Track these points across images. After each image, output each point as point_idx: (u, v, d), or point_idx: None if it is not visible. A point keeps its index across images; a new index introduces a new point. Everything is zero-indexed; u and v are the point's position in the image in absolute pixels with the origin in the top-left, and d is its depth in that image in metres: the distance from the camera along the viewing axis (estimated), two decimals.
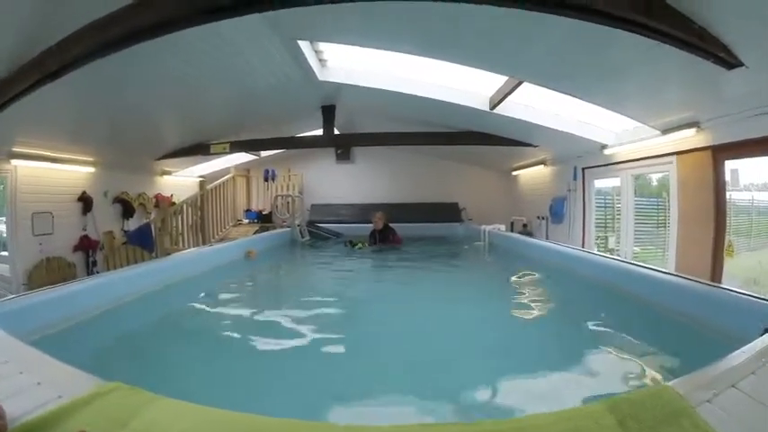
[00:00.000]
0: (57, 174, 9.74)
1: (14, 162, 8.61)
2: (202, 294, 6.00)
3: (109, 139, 9.86)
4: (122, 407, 1.85)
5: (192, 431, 1.70)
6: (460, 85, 8.64)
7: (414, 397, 3.02)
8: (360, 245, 10.20)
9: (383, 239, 10.49)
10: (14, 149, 8.49)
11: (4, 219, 9.31)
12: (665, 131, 7.30)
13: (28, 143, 8.56)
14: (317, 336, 4.41)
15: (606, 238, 10.06)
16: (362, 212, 14.54)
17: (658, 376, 3.13)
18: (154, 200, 13.50)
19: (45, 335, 3.61)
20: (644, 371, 3.28)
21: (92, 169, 10.60)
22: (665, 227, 8.40)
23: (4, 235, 9.28)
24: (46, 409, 1.76)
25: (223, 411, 1.82)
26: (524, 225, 13.12)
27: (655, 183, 9.40)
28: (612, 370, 3.43)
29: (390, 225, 10.76)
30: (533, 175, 13.18)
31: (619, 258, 5.35)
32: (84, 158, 10.26)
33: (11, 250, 9.01)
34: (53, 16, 4.97)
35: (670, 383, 1.83)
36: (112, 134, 9.65)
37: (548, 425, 1.64)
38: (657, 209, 8.93)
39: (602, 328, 4.44)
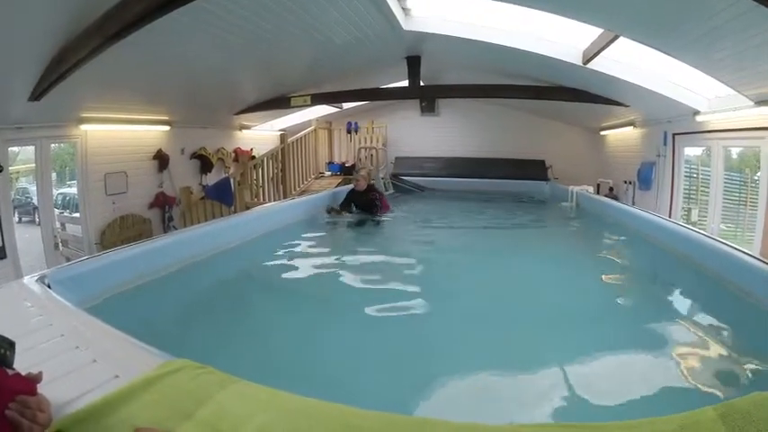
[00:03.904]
0: (130, 134, 9.88)
1: (84, 127, 8.71)
2: (279, 251, 6.11)
3: (184, 96, 9.85)
4: (189, 391, 1.64)
5: (273, 425, 1.47)
6: (552, 36, 8.13)
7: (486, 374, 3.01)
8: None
9: (366, 205, 8.44)
10: (83, 115, 8.57)
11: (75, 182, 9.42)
12: (759, 103, 6.67)
13: (97, 107, 8.63)
14: (395, 294, 4.53)
15: (690, 210, 9.53)
16: (448, 166, 14.56)
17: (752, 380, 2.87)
18: (233, 154, 13.51)
19: (115, 294, 3.69)
20: (737, 372, 3.01)
21: (167, 128, 10.66)
22: (746, 205, 7.94)
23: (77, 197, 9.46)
24: (99, 395, 1.57)
25: (310, 400, 1.60)
26: (611, 189, 12.40)
27: (735, 156, 8.78)
28: (696, 364, 3.18)
29: (376, 188, 9.07)
30: (622, 137, 12.41)
31: (728, 243, 4.75)
32: (159, 117, 10.33)
33: (82, 211, 9.22)
34: None
35: None
36: (187, 92, 9.63)
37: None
38: (740, 185, 8.32)
39: (692, 315, 4.11)
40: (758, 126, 7.08)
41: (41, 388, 1.47)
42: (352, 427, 1.46)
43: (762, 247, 6.92)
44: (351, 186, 9.07)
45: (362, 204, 8.46)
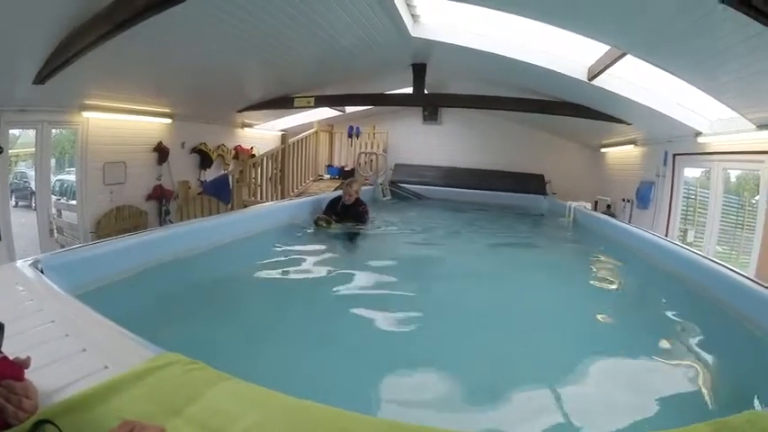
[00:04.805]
0: (131, 125, 9.87)
1: (86, 114, 8.72)
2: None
3: (188, 90, 9.85)
4: (179, 387, 1.61)
5: (264, 424, 1.44)
6: (559, 51, 8.10)
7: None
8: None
9: (354, 216, 8.01)
10: (86, 102, 8.58)
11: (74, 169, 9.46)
12: (761, 127, 6.67)
13: (101, 95, 8.63)
14: (385, 300, 4.55)
15: (686, 230, 9.53)
16: (447, 176, 14.54)
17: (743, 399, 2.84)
18: (233, 151, 13.58)
19: (108, 283, 3.67)
20: (730, 391, 3.01)
21: (169, 120, 10.70)
22: (742, 228, 7.95)
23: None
24: (87, 385, 1.54)
25: (302, 401, 1.57)
26: (608, 206, 12.47)
27: (733, 179, 8.82)
28: (689, 382, 3.18)
29: (362, 201, 8.39)
30: (622, 155, 12.45)
31: (723, 263, 4.69)
32: (162, 110, 10.35)
33: (79, 199, 9.22)
34: None
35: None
36: (192, 86, 9.61)
37: None
38: (737, 208, 8.34)
39: (685, 334, 4.07)
40: (759, 150, 7.10)
41: (28, 374, 1.43)
42: (343, 430, 1.44)
43: (757, 270, 6.92)
44: (335, 195, 8.73)
45: (350, 215, 8.02)
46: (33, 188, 9.62)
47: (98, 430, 1.27)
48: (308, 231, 7.49)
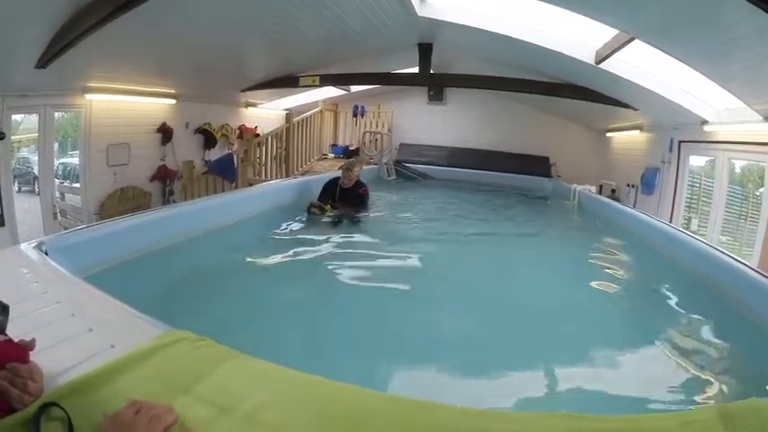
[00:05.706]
0: (135, 106, 9.83)
1: (89, 96, 8.66)
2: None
3: (192, 70, 9.81)
4: (188, 364, 1.60)
5: (275, 401, 1.43)
6: (566, 33, 8.05)
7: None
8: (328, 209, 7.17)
9: (353, 200, 7.50)
10: (89, 84, 8.51)
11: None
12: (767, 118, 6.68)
13: (104, 77, 8.57)
14: (386, 286, 4.49)
15: (690, 219, 9.51)
16: (451, 156, 14.51)
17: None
18: (237, 131, 13.57)
19: (114, 264, 3.64)
20: (725, 379, 2.98)
21: (173, 101, 10.67)
22: (746, 219, 7.95)
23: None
24: (93, 365, 1.52)
25: (313, 377, 1.57)
26: (613, 190, 12.41)
27: (738, 170, 8.76)
28: (690, 368, 3.14)
29: (363, 182, 7.83)
30: (627, 140, 12.39)
31: (728, 253, 4.62)
32: (165, 90, 10.30)
33: (83, 181, 9.23)
34: None
35: None
36: (196, 66, 9.58)
37: (664, 429, 1.52)
38: (741, 199, 8.32)
39: (688, 321, 4.05)
40: (764, 141, 7.07)
41: (34, 356, 1.42)
42: (354, 407, 1.44)
43: (760, 262, 6.89)
44: (330, 177, 8.12)
45: (349, 199, 7.47)
46: (36, 173, 9.61)
47: (105, 411, 1.25)
48: (302, 219, 7.06)
